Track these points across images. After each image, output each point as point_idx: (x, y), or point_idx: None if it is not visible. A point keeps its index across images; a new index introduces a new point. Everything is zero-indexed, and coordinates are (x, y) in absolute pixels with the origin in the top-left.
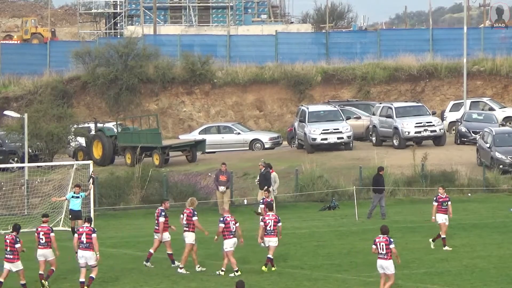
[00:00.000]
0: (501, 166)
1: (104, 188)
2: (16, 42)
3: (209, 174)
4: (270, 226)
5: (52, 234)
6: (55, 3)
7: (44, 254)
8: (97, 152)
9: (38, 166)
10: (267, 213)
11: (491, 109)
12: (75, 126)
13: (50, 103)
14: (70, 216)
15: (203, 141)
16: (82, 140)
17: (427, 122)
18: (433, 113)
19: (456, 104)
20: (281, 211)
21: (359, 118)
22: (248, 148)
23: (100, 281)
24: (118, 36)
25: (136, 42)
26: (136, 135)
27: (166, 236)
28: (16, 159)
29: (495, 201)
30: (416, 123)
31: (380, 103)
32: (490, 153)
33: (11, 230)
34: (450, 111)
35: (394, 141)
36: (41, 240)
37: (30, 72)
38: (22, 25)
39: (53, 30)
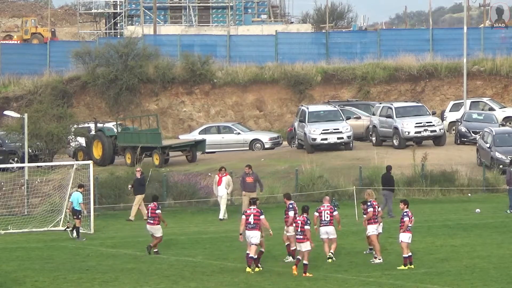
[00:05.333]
0: (501, 166)
1: (104, 188)
2: (16, 42)
3: (209, 174)
4: (411, 222)
5: None
6: (55, 3)
7: None
8: (97, 152)
9: (38, 166)
10: (406, 209)
11: (491, 109)
12: (75, 126)
13: (50, 103)
14: (73, 216)
15: (203, 141)
16: (82, 140)
17: (427, 122)
18: (433, 113)
19: (456, 104)
20: (281, 211)
21: (359, 118)
22: (248, 148)
23: (100, 281)
24: (118, 36)
25: (136, 42)
26: (136, 135)
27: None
28: (16, 159)
29: (495, 201)
30: (416, 123)
31: (380, 103)
32: (490, 153)
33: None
34: (450, 111)
35: (394, 141)
36: None
37: (30, 72)
38: (22, 25)
39: (53, 30)
